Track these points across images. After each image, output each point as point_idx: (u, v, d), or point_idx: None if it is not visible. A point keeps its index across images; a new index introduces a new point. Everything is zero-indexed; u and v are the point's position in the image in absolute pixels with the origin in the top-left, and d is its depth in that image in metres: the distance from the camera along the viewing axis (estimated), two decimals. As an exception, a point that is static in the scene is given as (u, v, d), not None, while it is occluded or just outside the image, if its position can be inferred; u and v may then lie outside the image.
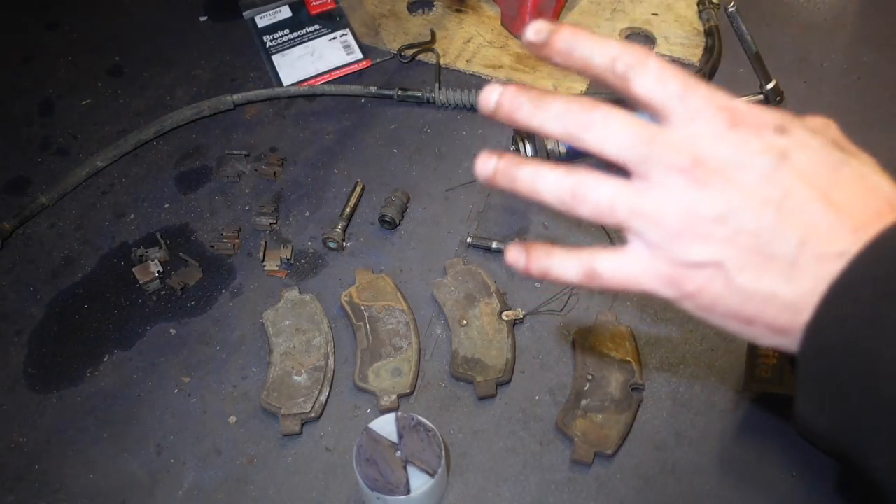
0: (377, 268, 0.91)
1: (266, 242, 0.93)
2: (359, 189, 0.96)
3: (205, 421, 0.82)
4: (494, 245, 0.91)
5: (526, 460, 0.79)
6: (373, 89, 1.05)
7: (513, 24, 1.11)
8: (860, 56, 1.09)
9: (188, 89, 1.09)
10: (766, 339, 0.47)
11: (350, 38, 1.13)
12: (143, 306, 0.90)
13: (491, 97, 0.49)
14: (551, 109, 0.48)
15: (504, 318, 0.85)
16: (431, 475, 0.70)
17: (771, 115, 0.46)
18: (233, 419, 0.82)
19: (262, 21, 1.16)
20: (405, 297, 0.88)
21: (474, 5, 1.16)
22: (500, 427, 0.81)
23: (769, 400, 0.79)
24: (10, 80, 1.11)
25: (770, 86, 0.99)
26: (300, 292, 0.88)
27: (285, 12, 1.16)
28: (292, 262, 0.92)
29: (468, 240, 0.92)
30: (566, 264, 0.50)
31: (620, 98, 0.48)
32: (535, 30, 0.48)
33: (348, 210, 0.95)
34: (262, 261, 0.92)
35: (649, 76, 0.46)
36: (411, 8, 1.17)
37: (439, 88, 1.04)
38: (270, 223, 0.95)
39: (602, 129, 0.46)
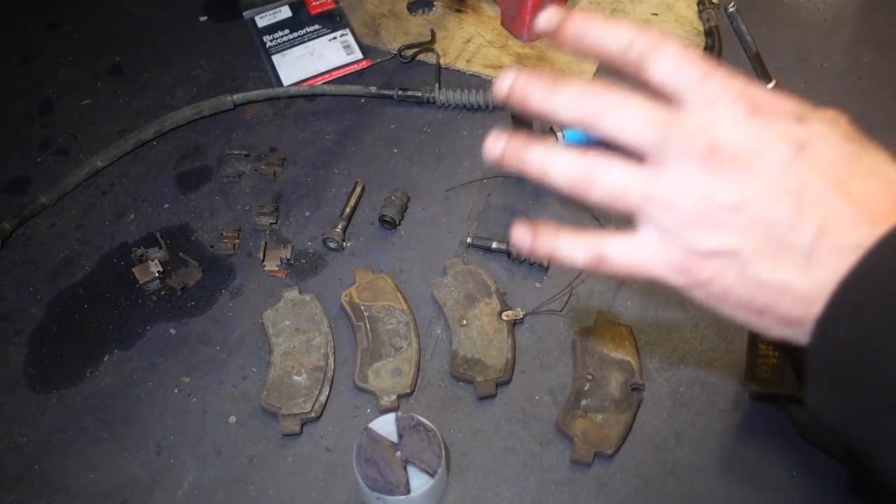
0: (377, 268, 0.91)
1: (266, 242, 0.93)
2: (359, 189, 0.96)
3: (205, 421, 0.82)
4: (494, 245, 0.91)
5: (526, 460, 0.79)
6: (373, 89, 1.05)
7: (513, 24, 1.11)
8: (860, 56, 1.09)
9: (188, 89, 1.09)
10: (776, 331, 0.46)
11: (350, 38, 1.13)
12: (143, 306, 0.90)
13: (504, 83, 0.48)
14: (565, 95, 0.47)
15: (504, 318, 0.85)
16: (431, 475, 0.70)
17: (789, 104, 0.46)
18: (233, 419, 0.82)
19: (262, 21, 1.16)
20: (405, 297, 0.88)
21: (474, 5, 1.16)
22: (500, 427, 0.81)
23: (769, 400, 0.79)
24: (10, 80, 1.11)
25: (770, 86, 0.99)
26: (300, 292, 0.88)
27: (285, 12, 1.16)
28: (292, 262, 0.92)
29: (468, 240, 0.92)
30: (574, 246, 0.49)
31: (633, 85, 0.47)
32: (547, 17, 0.48)
33: (348, 210, 0.95)
34: (262, 261, 0.92)
35: (666, 62, 0.45)
36: (411, 8, 1.17)
37: (439, 88, 1.04)
38: (270, 223, 0.95)
39: (618, 114, 0.45)
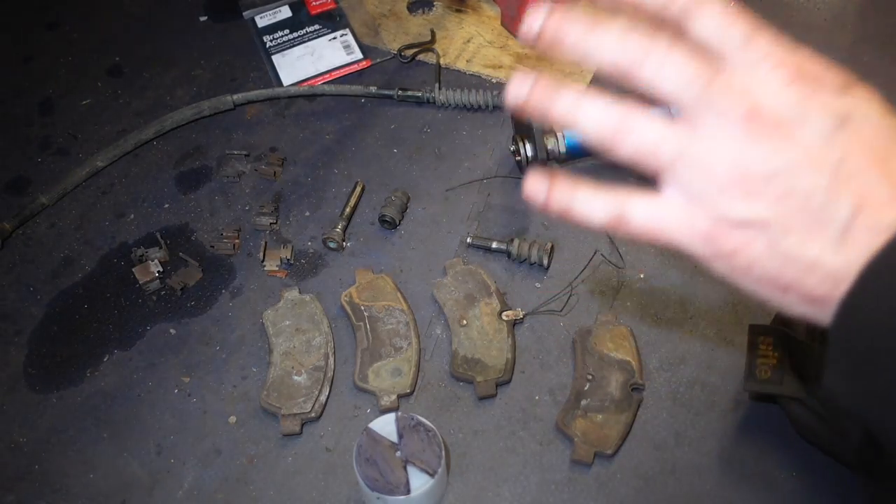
0: (377, 268, 0.91)
1: (266, 242, 0.93)
2: (359, 189, 0.96)
3: (205, 421, 0.82)
4: (494, 245, 0.91)
5: (526, 460, 0.79)
6: (373, 89, 1.05)
7: (513, 24, 1.11)
8: (860, 56, 1.09)
9: (188, 89, 1.09)
10: (798, 308, 0.44)
11: (350, 38, 1.13)
12: (143, 306, 0.90)
13: (535, 21, 0.44)
14: (607, 34, 0.43)
15: (504, 318, 0.85)
16: (431, 475, 0.70)
17: (834, 74, 0.43)
18: (233, 419, 0.82)
19: (262, 21, 1.16)
20: (405, 297, 0.88)
21: (474, 5, 1.16)
22: (500, 427, 0.81)
23: (769, 400, 0.79)
24: (10, 80, 1.11)
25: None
26: (300, 292, 0.88)
27: (285, 12, 1.16)
28: (292, 262, 0.92)
29: (468, 240, 0.92)
30: (593, 204, 0.45)
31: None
32: None
33: (348, 210, 0.95)
34: (262, 261, 0.92)
35: (711, 18, 0.43)
36: (411, 8, 1.17)
37: (439, 88, 1.04)
38: (270, 223, 0.95)
39: (659, 61, 0.42)
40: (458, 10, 1.15)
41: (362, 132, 1.04)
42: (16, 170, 1.02)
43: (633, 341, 0.84)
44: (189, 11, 1.18)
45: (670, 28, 0.44)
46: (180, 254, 0.93)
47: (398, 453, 0.71)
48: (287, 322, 0.86)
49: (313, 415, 0.80)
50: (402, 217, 0.95)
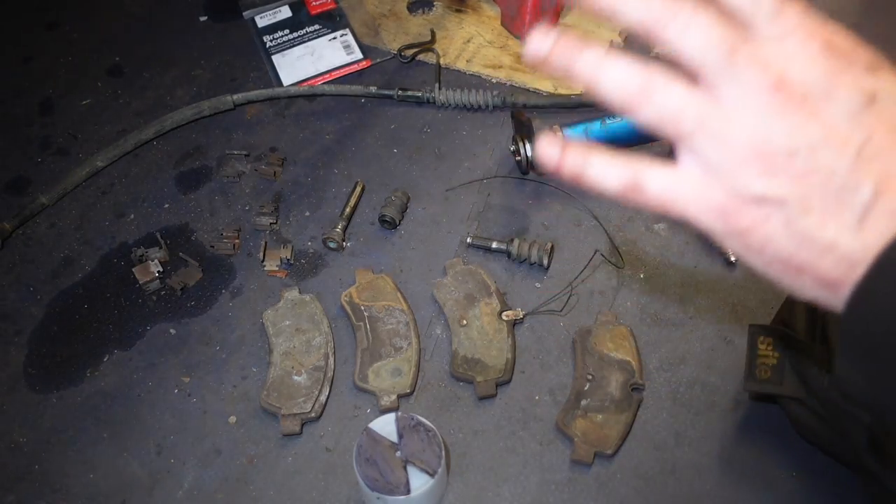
0: (377, 268, 0.91)
1: (266, 242, 0.93)
2: (359, 189, 0.96)
3: (205, 421, 0.82)
4: (494, 245, 0.91)
5: (526, 460, 0.79)
6: (373, 89, 1.05)
7: (513, 24, 1.11)
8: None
9: (188, 89, 1.09)
10: (810, 292, 0.43)
11: (350, 38, 1.13)
12: (143, 306, 0.90)
13: None
14: None
15: (504, 318, 0.85)
16: (431, 475, 0.70)
17: (864, 51, 0.42)
18: (233, 419, 0.82)
19: (262, 21, 1.16)
20: (405, 297, 0.88)
21: (474, 5, 1.16)
22: (500, 427, 0.81)
23: (769, 400, 0.79)
24: (10, 80, 1.11)
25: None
26: (300, 292, 0.88)
27: (285, 12, 1.16)
28: (292, 262, 0.92)
29: (468, 240, 0.92)
30: (608, 169, 0.44)
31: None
32: None
33: (348, 210, 0.95)
34: (262, 261, 0.92)
35: None
36: (411, 8, 1.17)
37: (439, 88, 1.04)
38: (270, 223, 0.95)
39: (686, 22, 0.41)
40: (458, 10, 1.15)
41: (362, 132, 1.04)
42: (16, 170, 1.02)
43: (633, 341, 0.84)
44: (189, 11, 1.18)
45: None
46: (180, 254, 0.93)
47: (398, 453, 0.71)
48: (287, 322, 0.86)
49: (313, 415, 0.80)
50: (402, 217, 0.95)
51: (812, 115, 0.40)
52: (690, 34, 0.41)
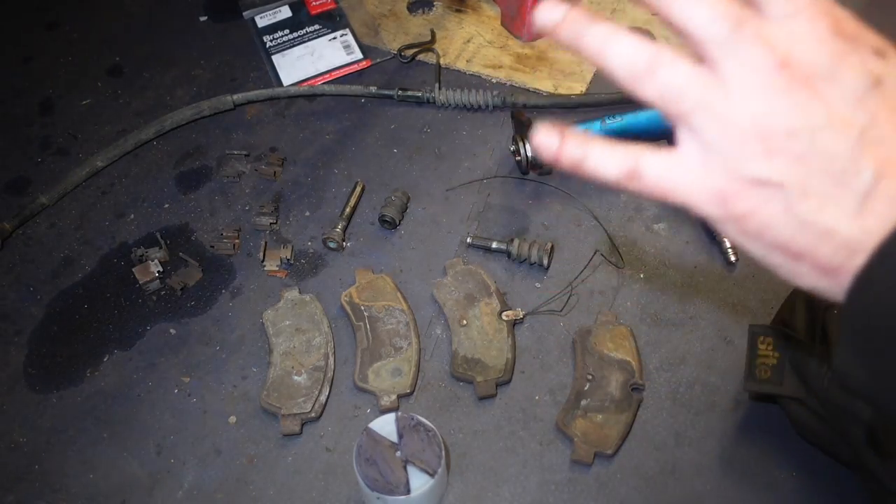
0: (377, 268, 0.91)
1: (266, 242, 0.93)
2: (359, 189, 0.96)
3: (205, 421, 0.82)
4: (494, 245, 0.91)
5: (526, 460, 0.79)
6: (373, 89, 1.05)
7: (513, 24, 1.11)
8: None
9: (188, 89, 1.09)
10: (809, 279, 0.42)
11: (350, 38, 1.13)
12: (143, 306, 0.90)
13: None
14: None
15: (504, 318, 0.85)
16: (431, 475, 0.70)
17: (872, 35, 0.42)
18: (233, 419, 0.82)
19: (262, 21, 1.16)
20: (405, 297, 0.88)
21: (474, 5, 1.16)
22: (500, 427, 0.81)
23: (769, 400, 0.79)
24: (10, 80, 1.11)
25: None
26: (300, 292, 0.88)
27: (285, 12, 1.16)
28: (292, 262, 0.92)
29: (468, 240, 0.92)
30: (607, 157, 0.43)
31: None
32: None
33: (348, 210, 0.95)
34: (262, 261, 0.92)
35: None
36: (411, 8, 1.17)
37: (439, 88, 1.04)
38: (270, 223, 0.95)
39: None
40: (458, 10, 1.15)
41: (362, 132, 1.04)
42: (16, 170, 1.02)
43: (633, 341, 0.84)
44: (189, 11, 1.18)
45: None
46: (180, 254, 0.93)
47: (398, 453, 0.71)
48: (287, 322, 0.86)
49: (313, 415, 0.80)
50: (402, 217, 0.95)
51: (815, 96, 0.39)
52: (697, 7, 0.41)
